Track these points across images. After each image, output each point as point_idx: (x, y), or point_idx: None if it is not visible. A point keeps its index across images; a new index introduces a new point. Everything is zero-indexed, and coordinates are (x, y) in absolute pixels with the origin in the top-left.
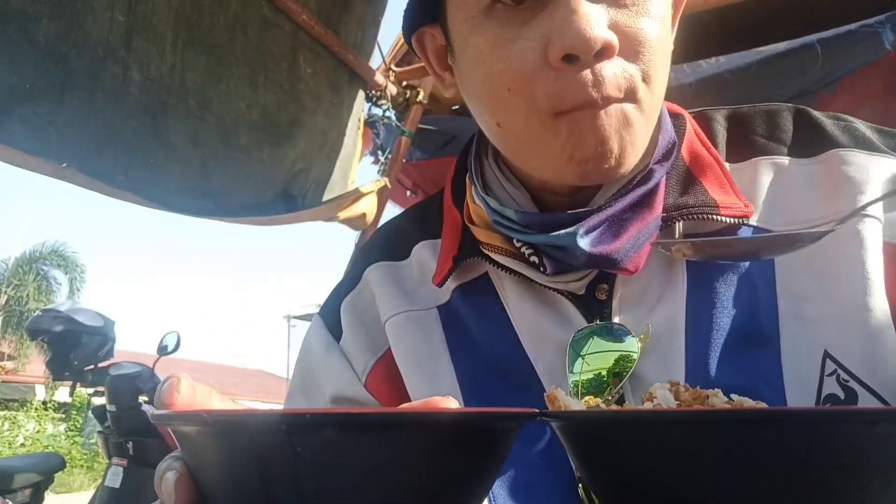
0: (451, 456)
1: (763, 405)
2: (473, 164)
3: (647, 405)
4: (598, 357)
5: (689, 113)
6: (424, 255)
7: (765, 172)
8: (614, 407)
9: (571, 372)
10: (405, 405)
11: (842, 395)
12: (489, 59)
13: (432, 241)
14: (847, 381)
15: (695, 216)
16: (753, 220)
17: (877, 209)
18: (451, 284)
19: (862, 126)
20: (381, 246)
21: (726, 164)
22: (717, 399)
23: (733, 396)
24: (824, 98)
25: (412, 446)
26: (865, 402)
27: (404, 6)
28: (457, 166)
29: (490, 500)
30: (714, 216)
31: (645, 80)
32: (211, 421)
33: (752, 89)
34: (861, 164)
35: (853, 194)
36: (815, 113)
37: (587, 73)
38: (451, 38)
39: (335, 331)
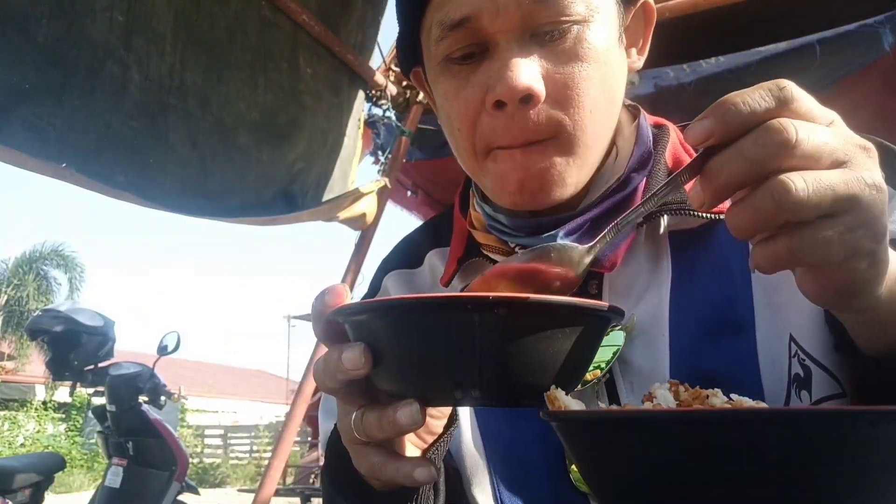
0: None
1: (763, 405)
2: None
3: (647, 405)
4: (601, 350)
5: (678, 125)
6: (435, 261)
7: None
8: (614, 407)
9: None
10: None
11: (802, 374)
12: (446, 104)
13: (443, 248)
14: (804, 360)
15: (675, 212)
16: None
17: None
18: (458, 285)
19: None
20: (397, 257)
21: None
22: (717, 399)
23: (733, 396)
24: (824, 98)
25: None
26: (818, 378)
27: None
28: (465, 180)
29: (491, 474)
30: (691, 212)
31: (574, 120)
32: (414, 303)
33: None
34: None
35: None
36: None
37: (511, 118)
38: (428, 81)
39: None
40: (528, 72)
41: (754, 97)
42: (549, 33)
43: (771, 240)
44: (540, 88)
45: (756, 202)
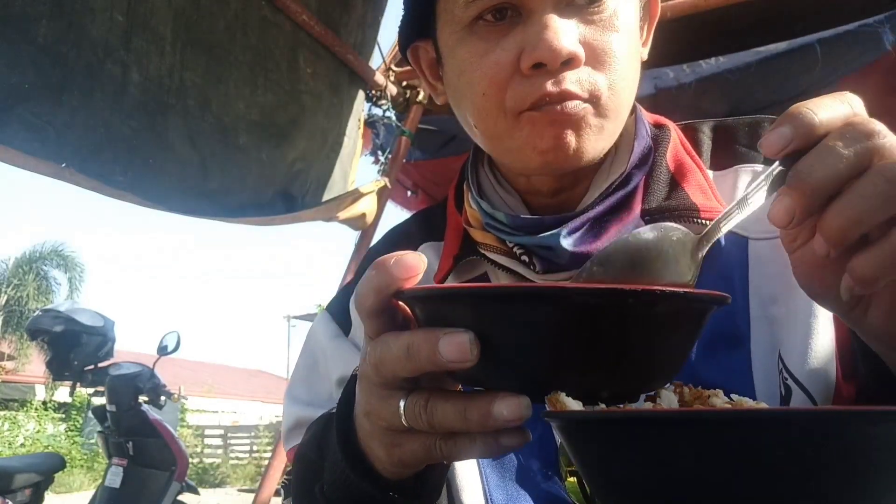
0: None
1: (763, 405)
2: (470, 171)
3: (649, 405)
4: None
5: (678, 125)
6: (430, 255)
7: (745, 180)
8: (614, 407)
9: None
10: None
11: (783, 392)
12: (470, 69)
13: (436, 242)
14: (786, 379)
15: (676, 219)
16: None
17: None
18: (453, 283)
19: None
20: (389, 247)
21: (709, 172)
22: (718, 399)
23: (734, 396)
24: None
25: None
26: (797, 399)
27: (399, 21)
28: (459, 174)
29: (484, 485)
30: (695, 219)
31: (610, 87)
32: (561, 292)
33: (751, 89)
34: None
35: None
36: None
37: (549, 78)
38: (441, 52)
39: (344, 324)
40: (569, 34)
41: (827, 102)
42: (587, 3)
43: (880, 241)
44: (581, 52)
45: (869, 189)
